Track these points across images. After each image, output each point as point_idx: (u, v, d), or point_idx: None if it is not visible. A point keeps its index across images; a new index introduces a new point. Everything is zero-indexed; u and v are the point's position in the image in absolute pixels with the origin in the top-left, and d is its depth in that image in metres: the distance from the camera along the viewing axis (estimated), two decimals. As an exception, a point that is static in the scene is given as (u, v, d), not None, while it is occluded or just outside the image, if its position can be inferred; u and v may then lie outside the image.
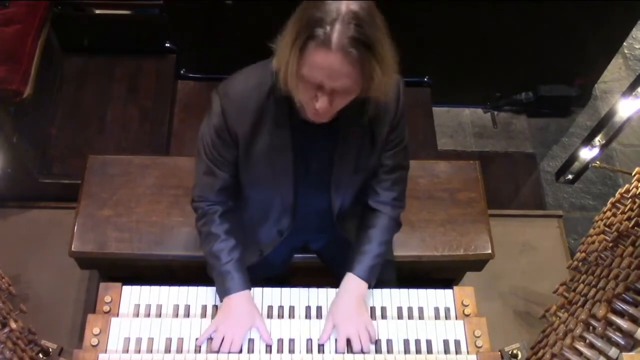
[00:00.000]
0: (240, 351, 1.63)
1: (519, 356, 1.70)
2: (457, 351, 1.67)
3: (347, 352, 1.64)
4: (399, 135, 1.61)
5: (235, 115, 1.49)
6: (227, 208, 1.68)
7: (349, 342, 1.65)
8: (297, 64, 1.26)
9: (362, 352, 1.64)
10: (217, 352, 1.61)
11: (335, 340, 1.65)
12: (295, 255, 2.02)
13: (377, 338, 1.67)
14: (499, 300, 2.55)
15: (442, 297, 1.78)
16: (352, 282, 1.69)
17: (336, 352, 1.64)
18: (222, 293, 1.67)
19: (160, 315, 1.71)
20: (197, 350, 1.63)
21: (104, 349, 1.62)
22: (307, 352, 1.64)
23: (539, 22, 2.78)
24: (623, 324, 1.29)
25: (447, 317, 1.76)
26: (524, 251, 2.69)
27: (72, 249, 2.05)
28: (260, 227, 1.77)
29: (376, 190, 1.69)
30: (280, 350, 1.64)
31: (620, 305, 1.36)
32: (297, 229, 1.77)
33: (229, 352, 1.61)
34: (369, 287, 1.71)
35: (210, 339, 1.64)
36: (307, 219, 1.74)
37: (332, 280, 1.76)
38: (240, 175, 1.63)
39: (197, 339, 1.64)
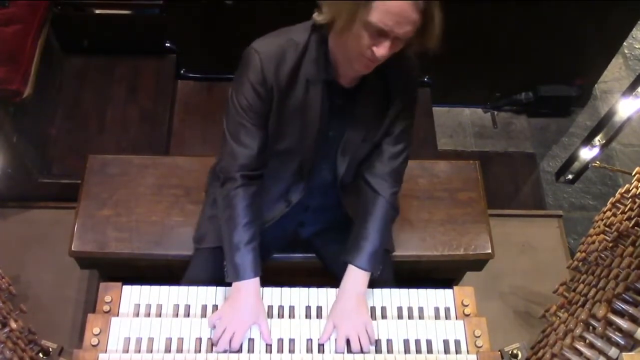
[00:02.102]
0: (240, 351, 1.63)
1: (519, 356, 1.70)
2: (457, 351, 1.67)
3: (347, 352, 1.64)
4: (411, 109, 1.67)
5: (274, 69, 1.52)
6: (258, 188, 1.67)
7: (348, 342, 1.65)
8: (362, 11, 1.32)
9: (361, 352, 1.64)
10: (217, 344, 1.61)
11: (335, 340, 1.66)
12: (293, 255, 2.03)
13: (377, 338, 1.67)
14: (499, 300, 2.55)
15: (442, 297, 1.78)
16: (353, 276, 1.69)
17: (336, 352, 1.65)
18: (234, 276, 1.65)
19: (160, 315, 1.71)
20: (197, 350, 1.63)
21: (104, 349, 1.62)
22: (307, 352, 1.64)
23: (539, 22, 2.78)
24: (623, 324, 1.29)
25: (447, 317, 1.76)
26: (524, 251, 2.69)
27: (72, 248, 2.05)
28: (269, 195, 1.78)
29: (375, 164, 1.71)
30: (280, 350, 1.64)
31: (620, 305, 1.36)
32: (299, 202, 1.79)
33: (229, 349, 1.61)
34: (374, 275, 1.70)
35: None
36: (313, 190, 1.77)
37: (332, 280, 1.76)
38: (269, 132, 1.63)
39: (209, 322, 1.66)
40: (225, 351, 1.62)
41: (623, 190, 1.95)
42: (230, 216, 1.66)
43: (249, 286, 1.66)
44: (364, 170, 1.73)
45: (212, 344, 1.64)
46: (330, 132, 1.64)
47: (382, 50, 1.37)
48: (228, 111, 1.61)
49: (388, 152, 1.70)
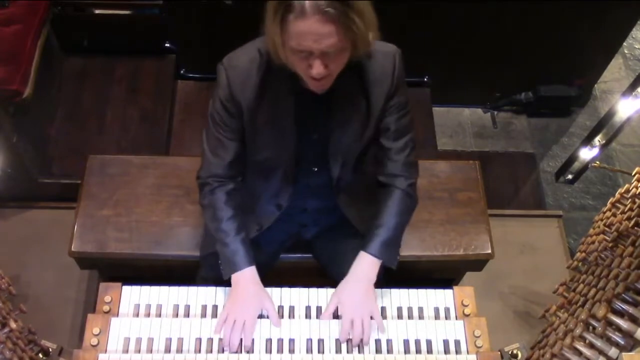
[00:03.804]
0: (240, 351, 1.63)
1: (519, 356, 1.70)
2: (457, 351, 1.67)
3: (351, 336, 1.64)
4: (398, 101, 1.62)
5: (240, 85, 1.53)
6: (235, 185, 1.70)
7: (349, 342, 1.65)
8: (283, 38, 1.33)
9: (361, 342, 1.64)
10: (229, 342, 1.62)
11: (336, 340, 1.66)
12: (293, 255, 2.03)
13: (377, 338, 1.67)
14: (499, 300, 2.55)
15: (442, 297, 1.78)
16: (364, 262, 1.68)
17: (337, 351, 1.65)
18: (229, 270, 1.68)
19: (160, 315, 1.71)
20: (197, 350, 1.64)
21: (103, 349, 1.62)
22: (307, 352, 1.65)
23: (538, 22, 2.78)
24: (623, 324, 1.29)
25: (447, 317, 1.76)
26: (524, 251, 2.69)
27: (72, 249, 2.05)
28: (262, 199, 1.78)
29: (384, 163, 1.70)
30: (280, 350, 1.65)
31: (620, 305, 1.36)
32: (296, 206, 1.79)
33: (243, 345, 1.62)
34: (390, 266, 1.70)
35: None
36: (307, 194, 1.77)
37: (332, 280, 1.76)
38: (246, 143, 1.65)
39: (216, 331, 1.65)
40: (236, 352, 1.62)
41: (623, 191, 1.95)
42: (213, 215, 1.69)
43: (246, 275, 1.67)
44: (377, 173, 1.72)
45: (211, 346, 1.64)
46: (314, 135, 1.62)
47: (315, 69, 1.35)
48: (208, 122, 1.64)
49: (393, 148, 1.67)
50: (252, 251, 1.70)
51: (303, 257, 2.04)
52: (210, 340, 1.65)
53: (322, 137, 1.63)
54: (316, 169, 1.70)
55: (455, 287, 1.79)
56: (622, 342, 1.29)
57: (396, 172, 1.69)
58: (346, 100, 1.56)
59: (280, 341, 1.66)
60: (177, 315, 1.71)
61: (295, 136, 1.59)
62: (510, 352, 1.70)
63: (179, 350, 1.63)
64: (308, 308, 1.74)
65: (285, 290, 1.76)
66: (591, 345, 1.36)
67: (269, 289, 1.75)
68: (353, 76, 1.52)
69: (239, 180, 1.72)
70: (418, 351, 1.66)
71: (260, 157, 1.67)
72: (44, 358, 1.67)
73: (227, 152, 1.64)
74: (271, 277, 1.79)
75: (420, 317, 1.75)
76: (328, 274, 1.86)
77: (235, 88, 1.53)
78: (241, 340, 1.64)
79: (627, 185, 1.94)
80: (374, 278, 1.69)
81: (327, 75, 1.39)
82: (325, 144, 1.64)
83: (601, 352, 1.32)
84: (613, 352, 1.29)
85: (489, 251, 2.12)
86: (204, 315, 1.72)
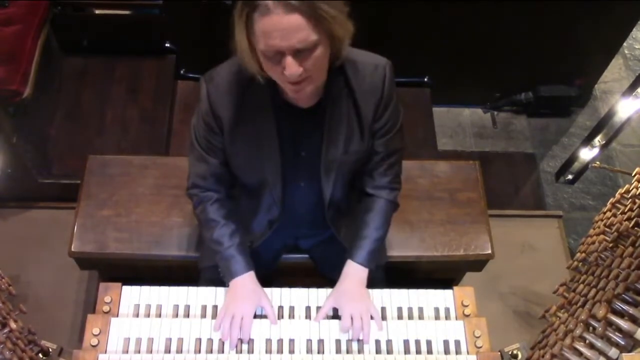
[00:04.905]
0: (240, 351, 1.63)
1: (519, 356, 1.70)
2: (457, 351, 1.67)
3: (350, 335, 1.66)
4: (390, 120, 1.58)
5: (220, 99, 1.50)
6: (221, 196, 1.70)
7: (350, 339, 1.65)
8: (251, 41, 1.29)
9: (361, 341, 1.65)
10: (228, 336, 1.63)
11: (336, 341, 1.66)
12: (293, 256, 2.02)
13: (377, 338, 1.67)
14: (499, 300, 2.55)
15: (441, 298, 1.78)
16: (353, 269, 1.71)
17: (341, 331, 1.66)
18: (228, 276, 1.69)
19: (160, 316, 1.71)
20: (197, 350, 1.64)
21: (103, 349, 1.62)
22: (307, 352, 1.65)
23: (538, 22, 2.78)
24: (623, 324, 1.29)
25: (447, 317, 1.76)
26: (524, 251, 2.69)
27: (72, 249, 2.05)
28: (251, 218, 1.78)
29: (372, 176, 1.69)
30: (280, 351, 1.65)
31: (620, 306, 1.36)
32: (288, 222, 1.78)
33: (241, 338, 1.64)
34: (370, 271, 1.73)
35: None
36: (297, 210, 1.75)
37: (332, 282, 1.76)
38: (229, 162, 1.63)
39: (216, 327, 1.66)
40: (236, 347, 1.63)
41: (623, 191, 1.95)
42: (205, 225, 1.71)
43: (244, 279, 1.68)
44: (363, 184, 1.71)
45: (211, 346, 1.64)
46: (303, 152, 1.59)
47: (289, 69, 1.27)
48: (190, 134, 1.63)
49: (384, 165, 1.67)
50: (249, 256, 1.70)
51: (302, 258, 2.03)
52: (211, 340, 1.65)
53: (311, 154, 1.59)
54: (305, 187, 1.67)
55: (455, 288, 1.79)
56: (622, 343, 1.29)
57: (384, 185, 1.70)
58: (335, 113, 1.52)
59: (280, 341, 1.66)
60: (177, 316, 1.71)
61: (280, 154, 1.56)
62: (510, 353, 1.70)
63: (179, 350, 1.63)
64: (308, 308, 1.74)
65: (285, 290, 1.76)
66: (591, 346, 1.35)
67: (268, 290, 1.75)
68: (341, 88, 1.48)
69: (225, 191, 1.71)
70: (418, 351, 1.66)
71: (245, 177, 1.66)
72: (44, 358, 1.67)
73: (209, 167, 1.63)
74: (271, 277, 1.79)
75: (420, 317, 1.75)
76: (327, 278, 1.85)
77: (215, 102, 1.50)
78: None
79: (627, 186, 1.94)
80: (364, 278, 1.72)
81: (304, 77, 1.32)
82: (315, 161, 1.60)
83: (601, 353, 1.31)
84: (613, 352, 1.29)
85: (489, 251, 2.12)
86: (204, 315, 1.72)
